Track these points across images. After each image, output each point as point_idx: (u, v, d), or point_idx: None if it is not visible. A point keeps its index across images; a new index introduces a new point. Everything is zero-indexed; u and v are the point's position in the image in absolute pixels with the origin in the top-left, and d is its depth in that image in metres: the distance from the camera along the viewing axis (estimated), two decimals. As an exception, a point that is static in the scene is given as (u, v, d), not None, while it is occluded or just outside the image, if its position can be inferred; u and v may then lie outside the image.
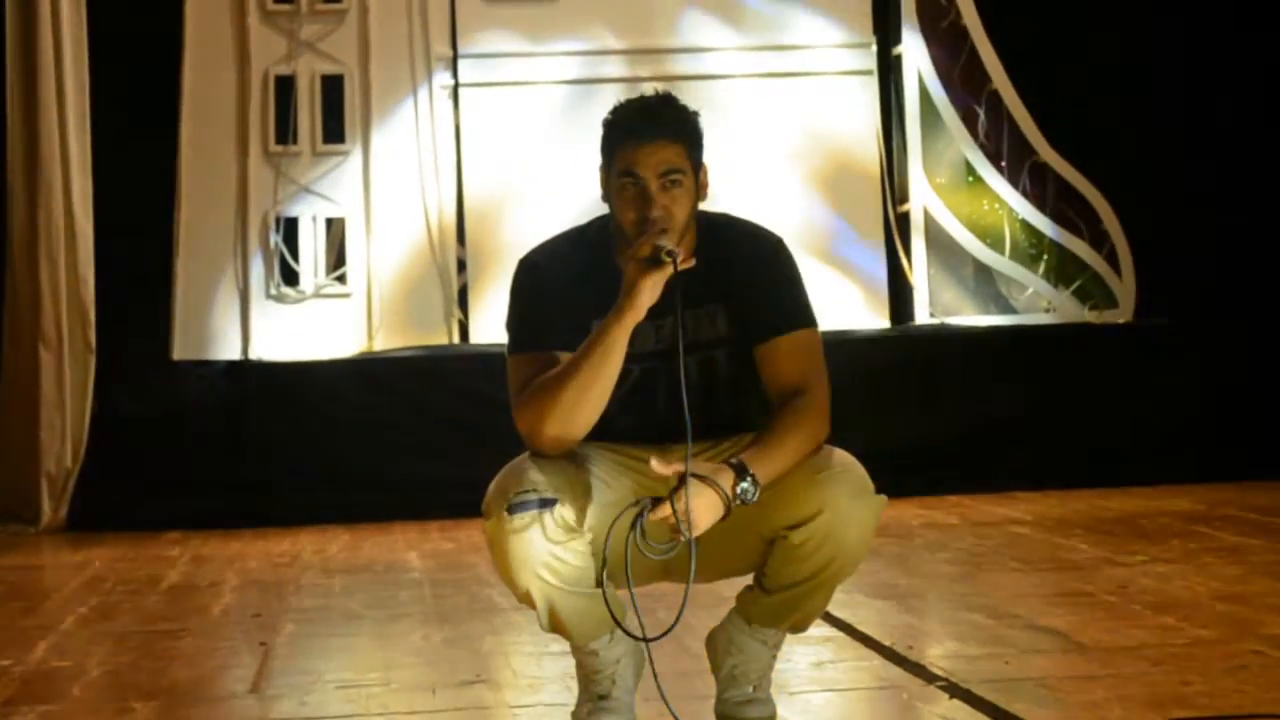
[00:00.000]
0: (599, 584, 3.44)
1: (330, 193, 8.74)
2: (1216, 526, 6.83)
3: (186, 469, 8.16)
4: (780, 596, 3.54)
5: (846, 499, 3.43)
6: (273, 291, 8.66)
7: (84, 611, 5.81)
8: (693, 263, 3.42)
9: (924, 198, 9.03)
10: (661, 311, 3.45)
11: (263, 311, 8.65)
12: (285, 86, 8.76)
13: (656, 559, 3.41)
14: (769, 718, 3.68)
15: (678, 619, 3.36)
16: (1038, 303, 9.00)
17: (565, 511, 3.40)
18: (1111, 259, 8.89)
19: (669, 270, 3.38)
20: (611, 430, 3.52)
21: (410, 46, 8.85)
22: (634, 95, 3.64)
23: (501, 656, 4.75)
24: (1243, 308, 8.71)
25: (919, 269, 9.00)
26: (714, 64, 8.97)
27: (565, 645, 3.65)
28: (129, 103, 8.50)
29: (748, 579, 3.63)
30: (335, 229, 8.77)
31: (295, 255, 8.70)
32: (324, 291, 8.70)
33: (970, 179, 9.06)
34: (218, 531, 7.82)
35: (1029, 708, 3.79)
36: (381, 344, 8.69)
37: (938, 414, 8.39)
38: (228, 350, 8.61)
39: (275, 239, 8.67)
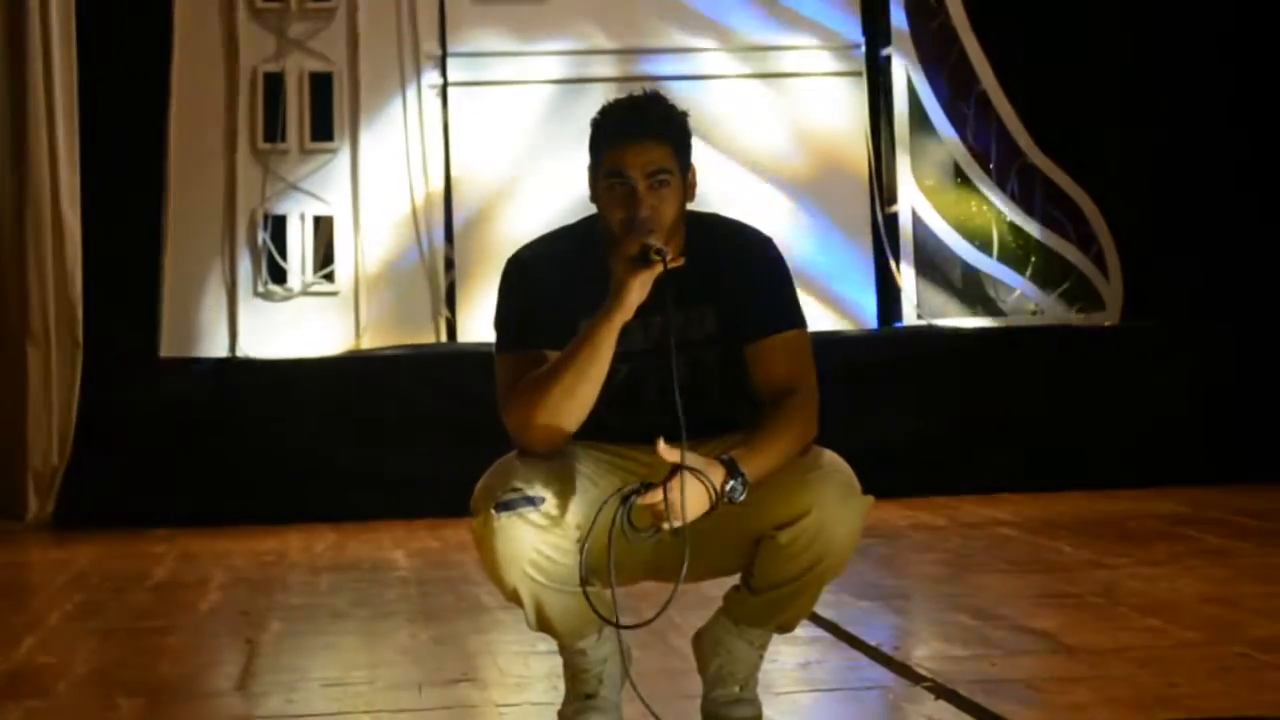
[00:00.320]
0: (583, 580, 3.43)
1: (318, 191, 8.73)
2: (1203, 529, 6.84)
3: (173, 466, 8.14)
4: (767, 596, 3.54)
5: (834, 499, 3.43)
6: (260, 289, 8.65)
7: (70, 608, 5.81)
8: (681, 262, 3.43)
9: (912, 199, 9.03)
10: (650, 310, 3.45)
11: (250, 309, 8.64)
12: (274, 84, 8.75)
13: (637, 544, 3.40)
14: (755, 717, 3.68)
15: (663, 609, 3.34)
16: (1025, 304, 9.01)
17: (552, 510, 3.40)
18: (1099, 261, 8.90)
19: (658, 269, 3.38)
20: (599, 429, 3.52)
21: (399, 45, 8.84)
22: (623, 95, 3.64)
23: (488, 655, 4.75)
24: (1230, 310, 8.72)
25: (906, 270, 9.00)
26: (702, 64, 8.97)
27: (552, 644, 3.65)
28: (117, 99, 8.49)
29: (735, 579, 3.63)
30: (323, 227, 8.76)
31: (283, 253, 8.69)
32: (312, 289, 8.70)
33: (958, 181, 9.06)
34: (204, 529, 7.81)
35: (1015, 709, 3.79)
36: (369, 342, 8.68)
37: (925, 415, 8.39)
38: (215, 348, 8.60)
39: (263, 236, 8.67)
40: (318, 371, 8.40)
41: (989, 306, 9.03)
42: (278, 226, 8.71)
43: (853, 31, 9.11)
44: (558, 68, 8.91)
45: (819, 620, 4.87)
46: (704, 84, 8.86)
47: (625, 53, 8.95)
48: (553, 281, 3.56)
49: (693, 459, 3.36)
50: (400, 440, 8.20)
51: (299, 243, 8.71)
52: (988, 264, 9.00)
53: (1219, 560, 6.05)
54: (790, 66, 9.05)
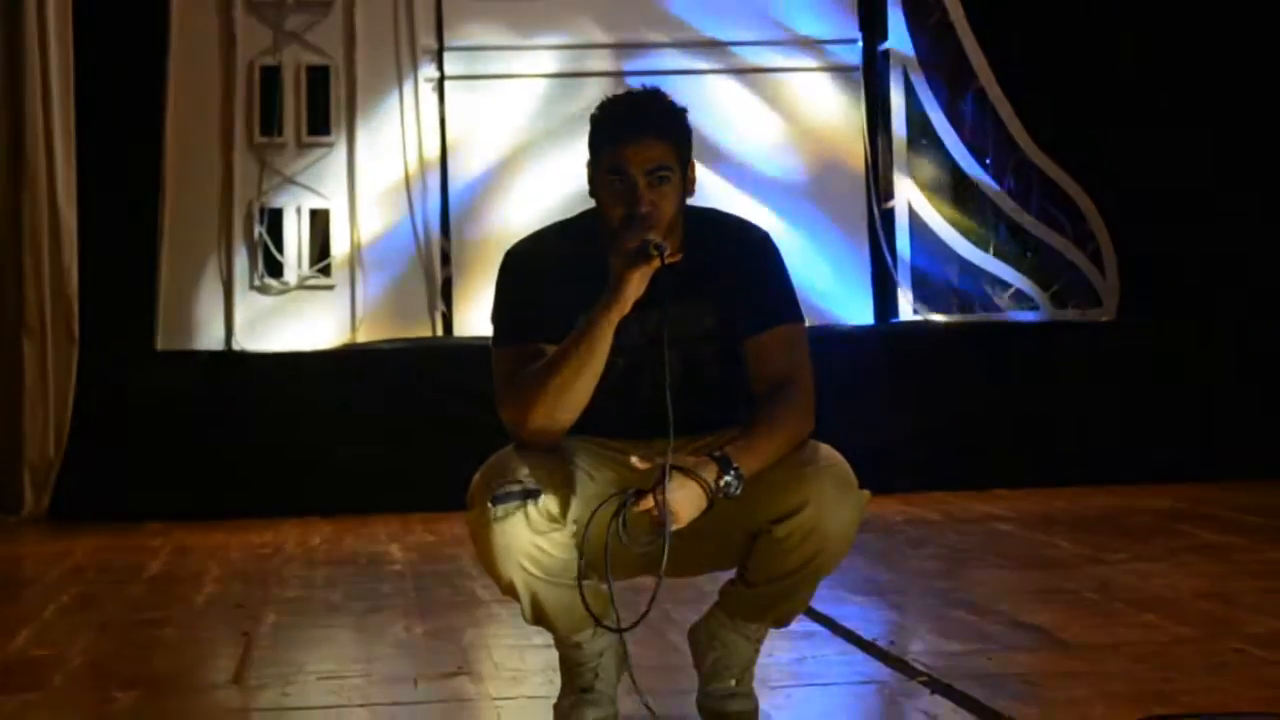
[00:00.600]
0: (579, 577, 3.43)
1: (315, 184, 8.73)
2: (1199, 525, 6.84)
3: (169, 459, 8.14)
4: (763, 590, 3.54)
5: (831, 493, 3.43)
6: (257, 282, 8.66)
7: (65, 600, 5.81)
8: (679, 257, 3.43)
9: (909, 195, 9.04)
10: (647, 305, 3.44)
11: (246, 302, 8.65)
12: (270, 77, 8.75)
13: (638, 550, 3.40)
14: (751, 712, 3.68)
15: (647, 610, 3.34)
16: (1021, 301, 9.01)
17: (549, 503, 3.39)
18: (1095, 258, 8.90)
19: (656, 264, 3.38)
20: (595, 422, 3.52)
21: (396, 39, 8.85)
22: (621, 90, 3.63)
23: (484, 649, 4.75)
24: (1226, 306, 8.72)
25: (903, 266, 9.01)
26: (700, 59, 8.97)
27: (548, 638, 3.64)
28: (114, 93, 8.49)
29: (731, 573, 3.62)
30: (319, 220, 8.76)
31: (279, 246, 8.70)
32: (308, 283, 8.70)
33: (955, 178, 9.06)
34: (200, 522, 7.81)
35: (1011, 704, 3.79)
36: (365, 336, 8.69)
37: (921, 410, 8.40)
38: (211, 341, 8.61)
39: (259, 230, 8.67)
40: (314, 365, 8.40)
41: (985, 303, 9.03)
42: (274, 220, 8.71)
43: (850, 28, 9.11)
44: (554, 62, 8.91)
45: (815, 615, 4.87)
46: (701, 79, 8.86)
47: (621, 47, 8.95)
48: (550, 276, 3.55)
49: (682, 458, 3.35)
50: (396, 434, 8.20)
51: (295, 236, 8.72)
52: (984, 260, 9.00)
53: (1215, 556, 6.05)
54: (788, 62, 9.05)
